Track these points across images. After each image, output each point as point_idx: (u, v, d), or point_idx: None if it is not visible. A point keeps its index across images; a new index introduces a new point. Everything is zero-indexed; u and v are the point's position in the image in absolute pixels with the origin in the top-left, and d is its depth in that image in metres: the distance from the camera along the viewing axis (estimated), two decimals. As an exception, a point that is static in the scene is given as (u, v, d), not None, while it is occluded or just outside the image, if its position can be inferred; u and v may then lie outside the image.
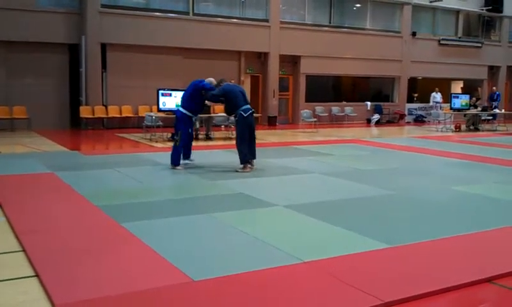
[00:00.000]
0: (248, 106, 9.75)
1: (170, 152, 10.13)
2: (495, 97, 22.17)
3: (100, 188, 7.97)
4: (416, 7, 26.13)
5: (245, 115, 9.61)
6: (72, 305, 3.72)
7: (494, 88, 23.96)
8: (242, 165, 9.69)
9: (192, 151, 10.86)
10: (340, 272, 4.41)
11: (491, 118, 23.25)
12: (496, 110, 23.24)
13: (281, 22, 22.28)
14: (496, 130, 21.17)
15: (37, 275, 4.27)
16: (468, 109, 21.37)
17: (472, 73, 28.34)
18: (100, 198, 7.08)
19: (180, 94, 15.28)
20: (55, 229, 5.65)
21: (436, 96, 25.62)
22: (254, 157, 9.91)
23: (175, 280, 4.19)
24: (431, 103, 25.79)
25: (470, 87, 27.02)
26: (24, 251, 4.90)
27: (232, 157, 10.74)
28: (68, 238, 5.35)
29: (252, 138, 9.85)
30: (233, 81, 19.61)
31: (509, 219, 6.37)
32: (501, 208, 7.10)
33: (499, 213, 6.82)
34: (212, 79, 10.22)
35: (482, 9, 28.27)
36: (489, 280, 4.35)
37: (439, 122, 21.78)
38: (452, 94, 22.11)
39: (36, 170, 9.39)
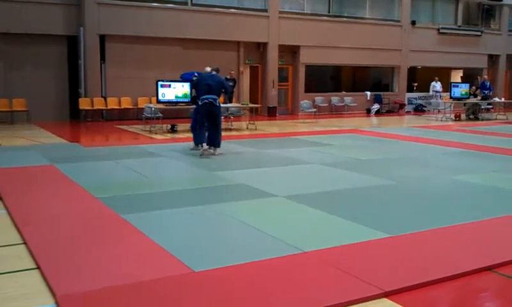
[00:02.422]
0: (207, 96, 10.27)
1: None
2: (488, 86, 22.13)
3: (100, 180, 7.96)
4: (416, -4, 26.06)
5: (200, 103, 10.43)
6: (73, 296, 3.73)
7: (485, 77, 23.90)
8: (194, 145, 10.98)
9: (190, 143, 10.91)
10: (340, 261, 4.41)
11: (490, 107, 23.23)
12: (496, 99, 23.22)
13: (280, 12, 22.18)
14: (496, 119, 21.15)
15: (38, 268, 4.28)
16: (468, 98, 21.35)
17: (472, 62, 28.25)
18: (100, 190, 7.08)
19: (179, 85, 15.33)
20: (55, 222, 5.66)
21: (436, 86, 25.56)
22: (211, 144, 10.46)
23: (175, 271, 4.20)
24: (430, 93, 25.73)
25: (470, 76, 26.97)
26: (24, 243, 4.91)
27: (232, 147, 10.75)
28: (68, 230, 5.35)
29: (211, 126, 10.46)
30: (232, 72, 19.64)
31: (508, 208, 6.38)
32: (501, 197, 7.10)
33: (499, 202, 6.83)
34: (207, 68, 11.07)
35: (482, -2, 28.19)
36: (489, 268, 4.36)
37: (439, 111, 21.75)
38: (452, 84, 22.07)
39: (36, 162, 9.38)
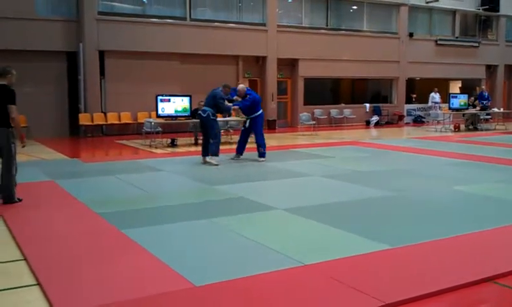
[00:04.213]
0: (204, 108, 11.23)
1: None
2: (486, 96, 22.20)
3: (100, 195, 7.97)
4: (413, 8, 26.18)
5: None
6: (75, 313, 3.72)
7: (483, 87, 23.99)
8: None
9: (191, 157, 10.95)
10: (341, 274, 4.41)
11: (489, 117, 23.28)
12: (495, 109, 23.28)
13: (279, 26, 22.31)
14: (495, 129, 21.18)
15: (39, 284, 4.28)
16: (467, 108, 21.39)
17: (470, 72, 28.36)
18: (101, 205, 7.08)
19: (178, 99, 15.43)
20: (56, 237, 5.66)
21: (435, 97, 25.60)
22: (203, 154, 11.23)
23: (176, 286, 4.19)
24: (429, 104, 25.76)
25: (469, 87, 27.05)
26: (25, 259, 4.90)
27: (232, 161, 10.73)
28: (69, 246, 5.35)
29: (204, 135, 11.35)
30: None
31: (510, 218, 6.37)
32: (502, 208, 7.10)
33: (500, 212, 6.82)
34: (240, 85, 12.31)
35: (479, 9, 28.32)
36: (491, 279, 4.35)
37: (438, 122, 21.77)
38: (451, 94, 22.13)
39: (36, 178, 9.37)
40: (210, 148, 11.02)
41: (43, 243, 5.44)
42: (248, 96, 11.70)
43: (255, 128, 11.82)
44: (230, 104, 11.62)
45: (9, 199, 7.20)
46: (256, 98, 11.92)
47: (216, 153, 11.02)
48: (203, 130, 11.32)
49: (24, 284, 4.33)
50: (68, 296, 4.03)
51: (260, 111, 11.84)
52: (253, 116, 11.72)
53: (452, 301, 4.02)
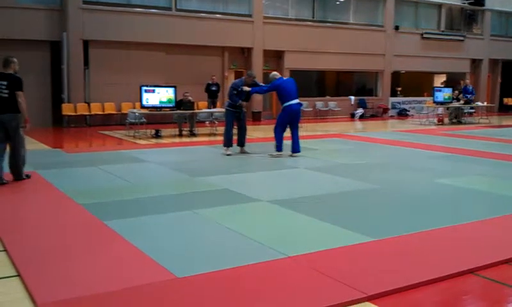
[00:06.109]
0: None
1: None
2: (470, 90, 22.31)
3: (83, 186, 7.89)
4: (399, 1, 26.24)
5: None
6: (55, 304, 3.68)
7: (467, 81, 24.12)
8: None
9: (176, 148, 10.82)
10: (324, 266, 4.41)
11: (473, 111, 23.46)
12: (479, 103, 23.45)
13: (265, 17, 22.25)
14: (479, 123, 21.34)
15: (19, 275, 4.22)
16: (451, 102, 21.53)
17: (455, 66, 28.53)
18: (83, 196, 7.01)
19: (163, 90, 15.33)
20: (37, 228, 5.59)
21: None
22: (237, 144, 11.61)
23: (158, 277, 4.16)
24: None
25: (453, 81, 27.20)
26: (5, 250, 4.84)
27: (217, 152, 10.68)
28: (50, 236, 5.29)
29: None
30: (214, 77, 19.56)
31: (492, 211, 6.43)
32: (484, 200, 7.17)
33: (482, 205, 6.89)
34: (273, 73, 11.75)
35: (464, 3, 28.48)
36: (472, 271, 4.38)
37: (428, 115, 21.81)
38: (435, 88, 22.24)
39: (18, 169, 9.26)
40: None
41: (24, 234, 5.37)
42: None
43: (277, 118, 11.43)
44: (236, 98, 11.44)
45: (18, 176, 8.03)
46: (276, 84, 11.04)
47: (224, 143, 11.31)
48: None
49: (3, 275, 4.27)
50: (48, 287, 3.98)
51: (288, 103, 10.87)
52: (283, 106, 11.06)
53: (434, 293, 4.04)
